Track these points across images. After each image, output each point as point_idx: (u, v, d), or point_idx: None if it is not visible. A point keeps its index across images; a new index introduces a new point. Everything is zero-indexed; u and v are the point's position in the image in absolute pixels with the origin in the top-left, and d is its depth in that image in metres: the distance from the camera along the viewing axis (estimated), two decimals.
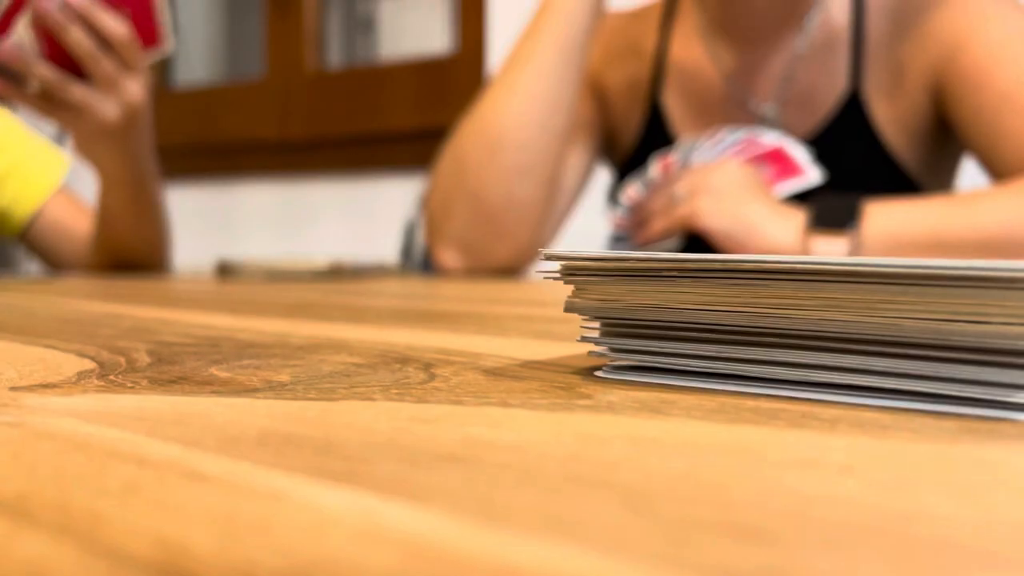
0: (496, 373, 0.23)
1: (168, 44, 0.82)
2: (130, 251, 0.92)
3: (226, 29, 2.35)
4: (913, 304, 0.18)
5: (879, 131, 0.81)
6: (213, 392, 0.20)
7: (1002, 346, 0.17)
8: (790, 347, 0.20)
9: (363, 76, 1.81)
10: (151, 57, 0.82)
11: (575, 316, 0.23)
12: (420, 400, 0.19)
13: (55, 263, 1.01)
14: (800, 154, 0.80)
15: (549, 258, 0.22)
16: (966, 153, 0.83)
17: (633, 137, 0.92)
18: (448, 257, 0.84)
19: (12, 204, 1.00)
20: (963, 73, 0.76)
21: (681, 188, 0.77)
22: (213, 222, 1.97)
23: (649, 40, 0.92)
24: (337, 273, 0.84)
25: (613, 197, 0.91)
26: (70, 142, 0.86)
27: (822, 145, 0.81)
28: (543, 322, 0.37)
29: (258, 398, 0.19)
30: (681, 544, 0.10)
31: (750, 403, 0.19)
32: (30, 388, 0.20)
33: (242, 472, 0.13)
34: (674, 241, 0.78)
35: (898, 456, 0.14)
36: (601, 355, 0.23)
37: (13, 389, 0.20)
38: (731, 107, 0.86)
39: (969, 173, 0.88)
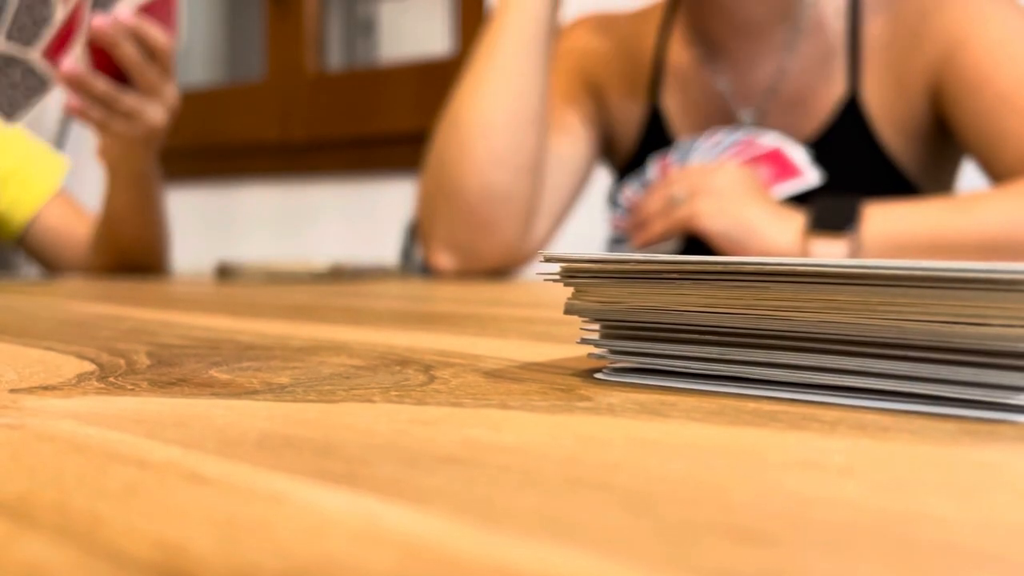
0: (496, 375, 0.23)
1: (180, 40, 0.85)
2: (132, 252, 0.93)
3: (226, 31, 2.35)
4: (913, 306, 0.18)
5: (878, 134, 0.81)
6: (213, 394, 0.20)
7: (1002, 348, 0.17)
8: (790, 349, 0.20)
9: (363, 78, 1.81)
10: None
11: (575, 318, 0.23)
12: (420, 402, 0.19)
13: (53, 267, 1.02)
14: (798, 155, 0.80)
15: (549, 260, 0.22)
16: (965, 155, 0.83)
17: (633, 139, 0.92)
18: (440, 259, 0.85)
19: (11, 208, 1.00)
20: (962, 74, 0.76)
21: (680, 190, 0.77)
22: (213, 223, 1.97)
23: (649, 41, 0.92)
24: (337, 275, 0.85)
25: (613, 199, 0.91)
26: (71, 145, 0.87)
27: (821, 149, 0.81)
28: (543, 324, 0.37)
29: (258, 400, 0.19)
30: (681, 546, 0.10)
31: (750, 405, 0.19)
32: (30, 390, 0.20)
33: (242, 474, 0.13)
34: (673, 243, 0.78)
35: (898, 458, 0.14)
36: (601, 357, 0.23)
37: (13, 391, 0.20)
38: (726, 109, 0.86)
39: (969, 175, 0.88)
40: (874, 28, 0.82)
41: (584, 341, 0.23)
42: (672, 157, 0.84)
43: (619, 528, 0.11)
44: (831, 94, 0.83)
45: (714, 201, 0.74)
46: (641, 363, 0.22)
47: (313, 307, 0.46)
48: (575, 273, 0.22)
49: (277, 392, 0.20)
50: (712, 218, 0.74)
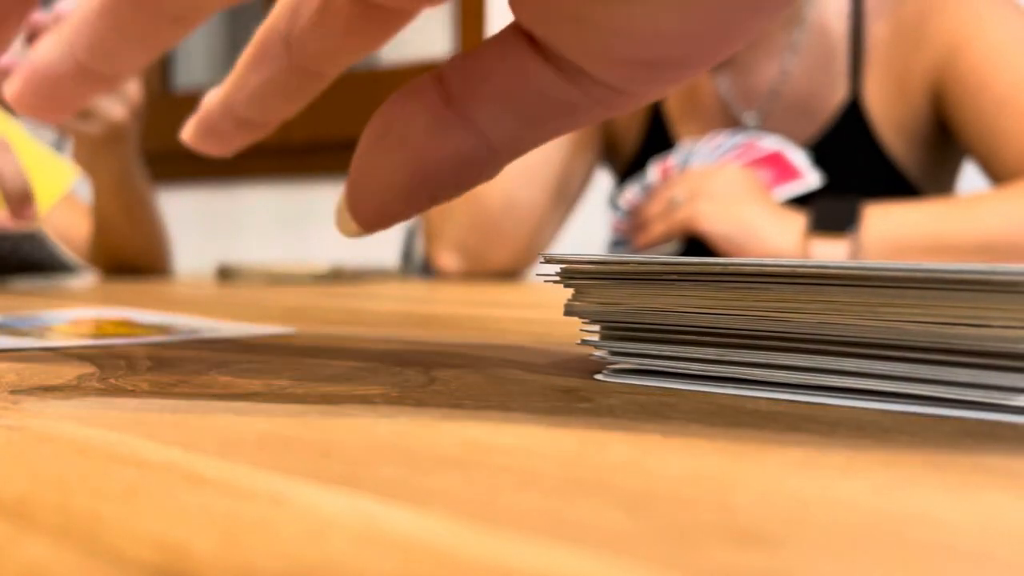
0: (496, 376, 0.23)
1: None
2: (125, 257, 0.93)
3: (226, 33, 2.35)
4: (913, 307, 0.18)
5: (879, 136, 0.81)
6: (213, 395, 0.20)
7: (1002, 349, 0.17)
8: (790, 350, 0.20)
9: (364, 80, 1.81)
10: None
11: (575, 319, 0.23)
12: (420, 403, 0.19)
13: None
14: (799, 158, 0.80)
15: (549, 261, 0.22)
16: (966, 157, 0.83)
17: (634, 142, 0.92)
18: (446, 260, 0.85)
19: None
20: (962, 76, 0.76)
21: (680, 192, 0.77)
22: (214, 225, 1.97)
23: None
24: (337, 277, 0.85)
25: (613, 202, 0.91)
26: (69, 150, 0.87)
27: (823, 151, 0.81)
28: (543, 325, 0.37)
29: (258, 401, 0.19)
30: (681, 547, 0.10)
31: (750, 406, 0.19)
32: (30, 391, 0.20)
33: (242, 475, 0.13)
34: (673, 245, 0.78)
35: (898, 459, 0.14)
36: (601, 358, 0.23)
37: (13, 392, 0.20)
38: (728, 112, 0.86)
39: (969, 176, 0.88)
40: (876, 31, 0.82)
41: (584, 342, 0.23)
42: (673, 160, 0.84)
43: (619, 529, 0.11)
44: (833, 97, 0.83)
45: (714, 203, 0.75)
46: (641, 364, 0.22)
47: (313, 308, 0.46)
48: (575, 274, 0.22)
49: (277, 393, 0.20)
50: (712, 220, 0.74)
